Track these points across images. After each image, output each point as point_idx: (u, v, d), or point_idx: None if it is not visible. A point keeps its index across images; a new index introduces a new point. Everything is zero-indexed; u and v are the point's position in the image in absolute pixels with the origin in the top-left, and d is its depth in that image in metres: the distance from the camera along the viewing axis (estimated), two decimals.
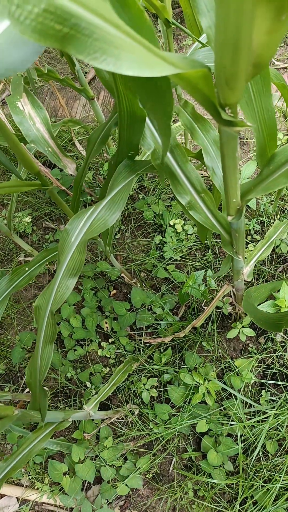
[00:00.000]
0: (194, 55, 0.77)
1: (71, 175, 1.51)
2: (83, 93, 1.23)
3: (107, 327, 1.45)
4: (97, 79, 2.13)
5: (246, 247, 1.43)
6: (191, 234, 1.51)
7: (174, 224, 1.51)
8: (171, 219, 1.52)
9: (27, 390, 1.46)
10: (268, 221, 1.48)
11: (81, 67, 2.12)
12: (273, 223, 1.47)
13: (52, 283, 0.70)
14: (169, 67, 0.34)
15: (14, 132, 0.80)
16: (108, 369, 1.40)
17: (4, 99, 2.19)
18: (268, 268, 1.41)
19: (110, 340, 1.43)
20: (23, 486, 1.35)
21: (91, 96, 1.27)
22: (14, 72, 0.31)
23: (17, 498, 1.34)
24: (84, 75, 2.12)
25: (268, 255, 1.24)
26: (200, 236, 0.80)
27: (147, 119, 0.65)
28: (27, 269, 0.91)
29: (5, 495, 1.36)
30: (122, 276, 1.47)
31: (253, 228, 1.48)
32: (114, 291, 1.53)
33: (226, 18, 0.34)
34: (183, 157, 0.68)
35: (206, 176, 1.58)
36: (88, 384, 1.37)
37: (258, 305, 1.14)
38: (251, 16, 0.34)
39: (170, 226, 1.52)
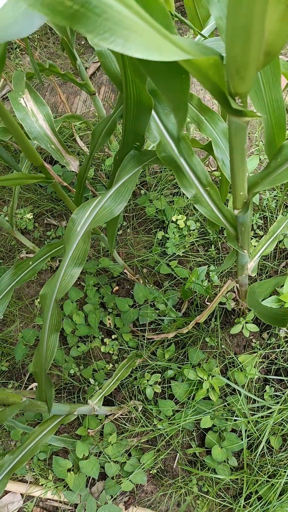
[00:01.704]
0: None
1: (73, 171, 1.50)
2: (84, 87, 1.23)
3: (110, 324, 1.44)
4: (97, 74, 2.11)
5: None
6: (194, 230, 1.50)
7: (177, 220, 1.50)
8: (174, 214, 1.51)
9: (31, 387, 1.46)
10: (271, 216, 1.47)
11: (82, 62, 2.11)
12: (276, 218, 1.46)
13: (57, 272, 0.71)
14: (179, 53, 0.34)
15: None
16: (111, 365, 1.40)
17: (4, 95, 2.17)
18: (272, 263, 1.41)
19: (113, 337, 1.43)
20: (27, 483, 1.35)
21: (92, 91, 1.26)
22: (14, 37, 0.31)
23: (21, 494, 1.34)
24: (85, 70, 2.10)
25: (272, 251, 1.23)
26: (211, 227, 0.79)
27: (152, 111, 0.64)
28: (30, 263, 0.91)
29: (10, 491, 1.36)
30: (125, 273, 1.46)
31: (256, 223, 1.47)
32: (117, 288, 1.52)
33: (238, 5, 0.34)
34: (189, 150, 0.67)
35: (209, 171, 1.57)
36: (92, 381, 1.37)
37: (262, 300, 1.14)
38: (264, 2, 0.34)
39: (172, 222, 1.51)
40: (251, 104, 0.59)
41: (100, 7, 0.28)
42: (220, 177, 1.01)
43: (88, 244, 0.69)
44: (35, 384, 1.26)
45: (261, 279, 1.40)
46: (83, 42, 2.26)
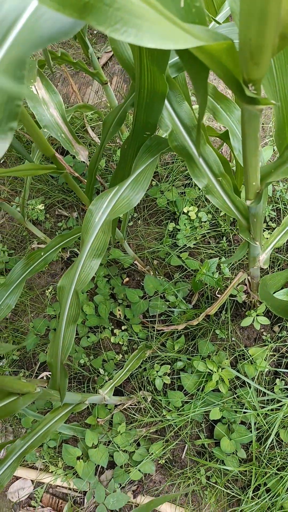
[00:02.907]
0: None
1: (84, 162, 1.50)
2: (96, 77, 1.21)
3: (120, 315, 1.45)
4: (109, 64, 2.10)
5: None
6: (205, 222, 1.49)
7: (188, 211, 1.49)
8: (185, 206, 1.50)
9: (41, 376, 1.48)
10: (285, 208, 1.45)
11: (94, 51, 2.10)
12: None
13: (75, 264, 0.71)
14: (192, 40, 0.33)
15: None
16: (121, 356, 1.41)
17: None
18: (284, 256, 1.39)
19: (123, 328, 1.44)
20: (37, 469, 1.37)
21: (104, 81, 1.25)
22: (57, 40, 0.31)
23: (31, 480, 1.37)
24: (97, 60, 2.09)
25: (284, 243, 1.21)
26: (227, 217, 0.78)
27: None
28: (42, 253, 0.91)
29: (20, 477, 1.39)
30: (135, 264, 1.46)
31: (269, 215, 1.45)
32: (127, 279, 1.53)
33: None
34: (202, 140, 0.66)
35: None
36: (101, 371, 1.38)
37: (274, 293, 1.13)
38: None
39: (183, 213, 1.50)
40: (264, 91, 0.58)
41: None
42: (234, 167, 0.99)
43: (108, 235, 0.69)
44: (45, 373, 1.28)
45: (273, 272, 1.39)
46: (95, 32, 2.24)
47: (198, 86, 0.46)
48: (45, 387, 0.90)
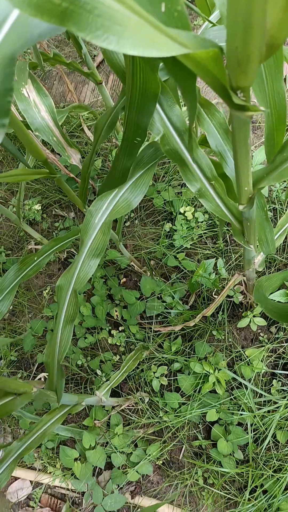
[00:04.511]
0: (204, 34, 0.74)
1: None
2: (90, 77, 1.20)
3: (117, 316, 1.45)
4: (105, 63, 2.08)
5: None
6: (202, 222, 1.48)
7: (185, 212, 1.48)
8: (181, 206, 1.49)
9: (39, 377, 1.48)
10: (281, 208, 1.44)
11: (88, 50, 2.08)
12: (286, 210, 1.43)
13: (74, 264, 0.71)
14: (177, 47, 0.32)
15: (21, 119, 0.78)
16: (118, 357, 1.40)
17: None
18: (280, 257, 1.38)
19: (120, 328, 1.43)
20: (36, 470, 1.37)
21: (99, 81, 1.24)
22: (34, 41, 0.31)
23: (30, 481, 1.37)
24: (93, 58, 2.07)
25: (281, 244, 1.21)
26: (219, 227, 0.79)
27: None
28: (35, 258, 0.91)
29: (19, 478, 1.39)
30: (132, 265, 1.46)
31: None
32: (124, 280, 1.52)
33: None
34: (194, 144, 0.65)
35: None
36: (99, 372, 1.38)
37: (270, 294, 1.12)
38: None
39: (180, 213, 1.49)
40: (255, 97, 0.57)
41: (90, 3, 0.27)
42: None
43: (107, 235, 0.71)
44: (43, 374, 1.28)
45: (270, 273, 1.38)
46: None
47: (186, 92, 0.45)
48: (42, 388, 0.90)
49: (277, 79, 0.50)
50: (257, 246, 0.95)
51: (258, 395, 1.22)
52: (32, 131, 0.80)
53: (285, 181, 1.46)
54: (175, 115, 0.66)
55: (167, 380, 1.30)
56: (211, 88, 0.44)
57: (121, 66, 0.68)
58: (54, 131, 0.79)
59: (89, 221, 0.70)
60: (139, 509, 1.24)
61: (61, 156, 1.74)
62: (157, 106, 0.65)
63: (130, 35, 0.28)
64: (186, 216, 1.48)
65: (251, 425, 1.18)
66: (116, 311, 1.45)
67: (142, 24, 0.30)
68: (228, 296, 1.31)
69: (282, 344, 1.27)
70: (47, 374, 0.91)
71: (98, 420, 1.27)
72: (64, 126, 1.81)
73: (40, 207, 1.69)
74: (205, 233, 1.48)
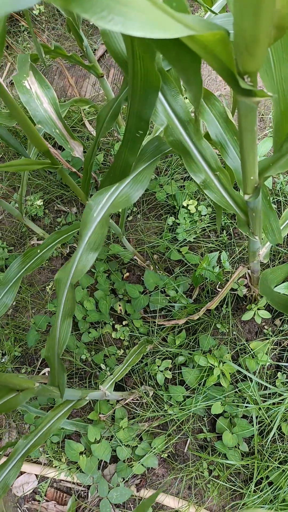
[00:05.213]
0: None
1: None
2: (92, 70, 1.19)
3: (120, 310, 1.45)
4: (106, 56, 2.07)
5: None
6: (205, 215, 1.47)
7: (188, 205, 1.48)
8: (184, 199, 1.49)
9: (43, 372, 1.48)
10: (285, 200, 1.44)
11: (90, 44, 2.06)
12: None
13: (73, 257, 0.71)
14: (183, 29, 0.31)
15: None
16: (122, 351, 1.40)
17: (12, 80, 2.15)
18: (285, 249, 1.38)
19: (124, 323, 1.43)
20: (41, 464, 1.38)
21: (100, 74, 1.23)
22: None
23: (36, 475, 1.38)
24: (94, 52, 2.06)
25: (285, 236, 1.20)
26: (217, 218, 0.78)
27: (159, 93, 0.62)
28: (38, 251, 0.90)
29: (25, 472, 1.40)
30: (135, 259, 1.45)
31: None
32: (127, 274, 1.52)
33: None
34: (197, 133, 0.65)
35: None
36: (103, 366, 1.38)
37: (275, 287, 1.12)
38: None
39: (183, 207, 1.49)
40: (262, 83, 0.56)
41: None
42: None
43: (105, 229, 0.70)
44: (47, 369, 1.28)
45: (274, 265, 1.37)
46: (91, 23, 2.21)
47: (189, 78, 0.44)
48: (45, 383, 0.90)
49: (285, 63, 0.49)
50: (262, 238, 0.94)
51: (263, 388, 1.22)
52: (35, 124, 0.79)
53: None
54: (178, 105, 0.65)
55: (172, 373, 1.30)
56: (218, 73, 0.43)
57: (123, 56, 0.67)
58: (57, 123, 0.79)
59: (88, 215, 0.70)
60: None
61: (62, 151, 1.73)
62: (161, 96, 0.65)
63: (136, 16, 0.28)
64: (189, 210, 1.47)
65: (256, 417, 1.18)
66: (119, 305, 1.45)
67: (148, 5, 0.29)
68: (232, 289, 1.31)
69: (287, 337, 1.27)
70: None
71: (103, 414, 1.27)
72: (66, 121, 1.80)
73: (42, 203, 1.68)
74: (208, 226, 1.47)
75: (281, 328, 1.29)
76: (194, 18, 0.37)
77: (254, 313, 1.23)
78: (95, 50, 2.06)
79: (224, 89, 1.78)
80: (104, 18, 0.27)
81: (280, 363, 1.25)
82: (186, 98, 1.52)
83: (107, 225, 0.70)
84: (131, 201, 0.69)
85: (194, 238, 1.46)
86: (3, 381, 0.73)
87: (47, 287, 1.60)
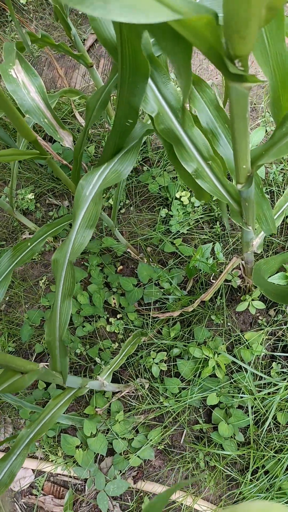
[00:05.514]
0: None
1: (70, 148, 1.47)
2: (81, 60, 1.17)
3: (114, 303, 1.44)
4: (96, 46, 2.03)
5: None
6: (198, 207, 1.46)
7: (180, 197, 1.46)
8: (177, 191, 1.47)
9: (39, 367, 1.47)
10: (278, 190, 1.43)
11: (79, 34, 2.02)
12: (283, 192, 1.42)
13: (68, 236, 0.73)
14: (168, 12, 0.30)
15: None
16: (117, 344, 1.40)
17: None
18: (278, 239, 1.37)
19: (118, 316, 1.43)
20: (38, 459, 1.38)
21: (89, 63, 1.21)
22: None
23: (32, 470, 1.38)
24: (83, 42, 2.02)
25: (278, 226, 1.20)
26: (197, 196, 0.78)
27: (150, 80, 0.60)
28: (29, 244, 0.89)
29: (22, 467, 1.40)
30: (128, 252, 1.44)
31: None
32: (121, 267, 1.51)
33: None
34: (189, 121, 0.63)
35: None
36: (98, 360, 1.38)
37: (269, 277, 1.12)
38: None
39: (176, 198, 1.47)
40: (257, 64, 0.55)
41: None
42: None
43: (99, 205, 0.71)
44: (42, 364, 1.27)
45: (268, 256, 1.37)
46: (80, 13, 2.16)
47: (179, 66, 0.43)
48: (36, 384, 0.89)
49: (278, 40, 0.48)
50: (256, 228, 0.94)
51: (258, 378, 1.22)
52: (24, 116, 0.78)
53: (281, 163, 1.44)
54: (169, 92, 0.64)
55: (167, 365, 1.30)
56: (208, 58, 0.42)
57: (113, 43, 0.66)
58: (45, 113, 0.77)
59: (81, 194, 0.70)
60: (141, 494, 1.25)
61: (53, 143, 1.71)
62: (151, 83, 0.63)
63: (116, 0, 0.26)
64: (182, 201, 1.46)
65: (252, 407, 1.18)
66: (113, 298, 1.44)
67: None
68: (226, 280, 1.30)
69: (281, 327, 1.27)
70: (48, 363, 0.90)
71: (99, 407, 1.27)
72: (56, 113, 1.77)
73: (33, 196, 1.66)
74: (202, 218, 1.46)
75: (275, 318, 1.29)
76: (180, 0, 0.35)
77: (249, 304, 1.23)
78: (84, 40, 2.03)
79: (216, 78, 1.76)
80: (83, 3, 0.26)
81: (274, 353, 1.26)
82: (178, 85, 1.49)
83: (101, 201, 0.71)
84: (122, 176, 0.70)
85: (187, 230, 1.45)
86: (8, 361, 0.72)
87: (40, 281, 1.58)
